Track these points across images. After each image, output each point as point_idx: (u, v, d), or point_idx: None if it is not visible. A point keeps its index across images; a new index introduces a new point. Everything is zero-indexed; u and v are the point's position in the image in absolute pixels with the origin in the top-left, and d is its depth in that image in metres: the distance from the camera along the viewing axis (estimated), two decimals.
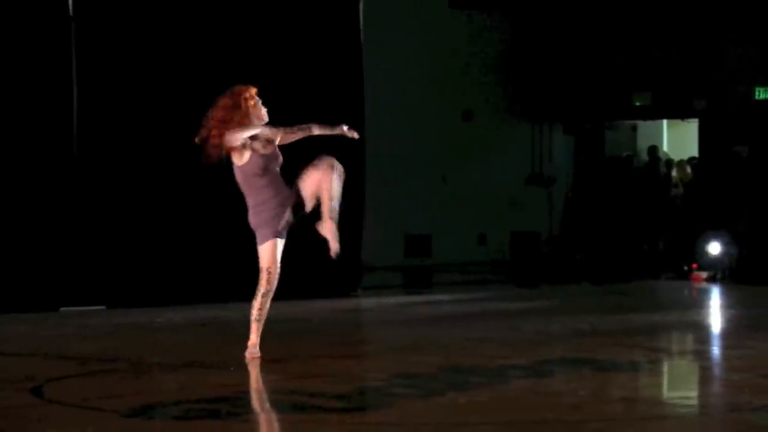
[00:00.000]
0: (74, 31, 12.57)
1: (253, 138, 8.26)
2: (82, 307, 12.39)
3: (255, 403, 7.03)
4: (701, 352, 9.80)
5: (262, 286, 8.34)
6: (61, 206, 12.51)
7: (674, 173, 20.11)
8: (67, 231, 12.53)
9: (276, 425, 6.44)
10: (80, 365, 8.37)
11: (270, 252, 8.32)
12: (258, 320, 8.35)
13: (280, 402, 6.85)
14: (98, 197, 12.73)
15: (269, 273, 8.31)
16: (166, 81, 13.05)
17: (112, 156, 12.84)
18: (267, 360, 8.56)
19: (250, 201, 8.38)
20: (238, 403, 7.00)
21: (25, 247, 12.30)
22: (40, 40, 12.42)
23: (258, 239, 8.39)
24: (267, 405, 6.91)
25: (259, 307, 8.33)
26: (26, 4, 12.39)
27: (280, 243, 8.37)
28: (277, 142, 8.38)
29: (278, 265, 8.35)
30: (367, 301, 13.81)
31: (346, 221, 14.37)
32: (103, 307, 12.53)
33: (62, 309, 12.32)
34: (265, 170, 8.32)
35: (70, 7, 12.52)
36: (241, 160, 8.29)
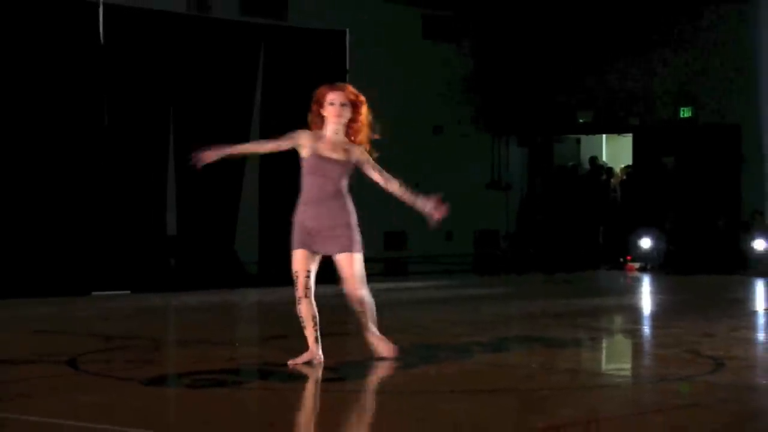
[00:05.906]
0: (104, 58, 12.58)
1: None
2: (110, 292, 12.32)
3: (255, 374, 6.99)
4: (634, 331, 9.79)
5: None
6: (93, 202, 12.47)
7: (613, 179, 20.21)
8: (98, 223, 12.49)
9: (270, 393, 6.40)
10: (106, 342, 8.31)
11: (293, 258, 7.03)
12: (303, 326, 6.98)
13: (275, 373, 6.80)
14: (125, 194, 12.72)
15: (295, 278, 7.02)
16: (185, 99, 13.07)
17: (138, 158, 12.82)
18: (267, 337, 8.50)
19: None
20: (242, 374, 6.97)
21: (60, 237, 12.24)
22: (74, 67, 12.39)
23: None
24: (265, 376, 6.86)
25: (297, 314, 7.01)
26: (63, 35, 12.36)
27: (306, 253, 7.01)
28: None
29: (305, 272, 7.02)
30: None
31: None
32: (128, 292, 12.47)
33: (93, 293, 12.26)
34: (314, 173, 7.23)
35: (101, 37, 12.51)
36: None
